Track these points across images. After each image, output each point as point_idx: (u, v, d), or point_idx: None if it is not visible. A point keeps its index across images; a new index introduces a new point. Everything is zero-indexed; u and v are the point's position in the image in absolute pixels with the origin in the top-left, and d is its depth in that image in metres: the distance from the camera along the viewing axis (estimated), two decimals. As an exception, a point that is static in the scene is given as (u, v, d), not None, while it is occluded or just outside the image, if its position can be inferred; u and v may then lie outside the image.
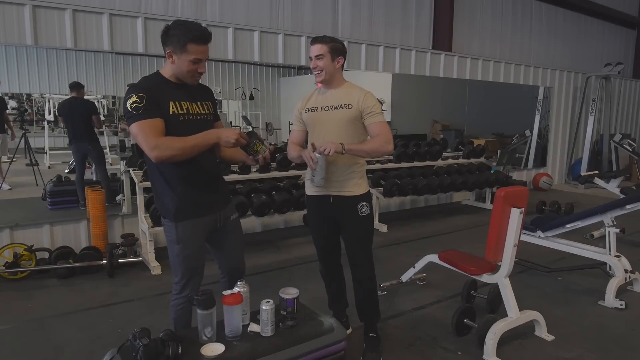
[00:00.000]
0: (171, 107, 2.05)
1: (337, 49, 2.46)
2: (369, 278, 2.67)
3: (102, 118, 6.47)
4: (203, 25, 2.09)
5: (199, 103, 2.18)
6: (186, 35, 2.01)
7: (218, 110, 2.40)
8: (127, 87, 2.07)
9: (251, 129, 2.18)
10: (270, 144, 2.44)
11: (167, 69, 2.11)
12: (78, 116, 5.33)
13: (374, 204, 5.61)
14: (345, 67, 2.57)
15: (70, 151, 5.66)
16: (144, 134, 1.93)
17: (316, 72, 2.48)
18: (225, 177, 3.11)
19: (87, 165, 5.68)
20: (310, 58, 2.48)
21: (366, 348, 2.67)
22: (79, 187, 5.24)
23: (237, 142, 2.02)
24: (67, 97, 5.53)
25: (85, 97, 5.66)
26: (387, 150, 2.46)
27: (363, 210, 2.56)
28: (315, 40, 2.46)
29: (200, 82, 2.23)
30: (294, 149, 2.61)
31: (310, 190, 2.67)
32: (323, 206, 2.63)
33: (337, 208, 2.59)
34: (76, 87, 5.41)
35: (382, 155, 2.56)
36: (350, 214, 2.55)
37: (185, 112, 2.10)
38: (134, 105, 1.94)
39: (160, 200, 2.19)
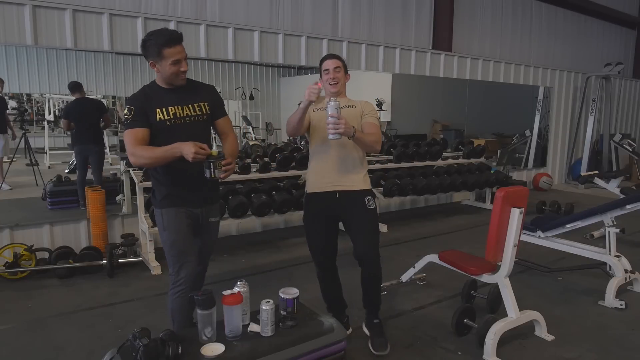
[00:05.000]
0: (158, 115, 2.28)
1: (346, 66, 2.79)
2: (378, 269, 2.72)
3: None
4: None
5: (190, 105, 2.36)
6: (158, 42, 2.21)
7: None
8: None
9: (218, 151, 2.27)
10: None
11: (159, 77, 2.34)
12: (89, 117, 5.29)
13: (374, 204, 5.62)
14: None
15: (72, 152, 5.63)
16: (126, 141, 2.25)
17: (333, 83, 2.71)
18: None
19: (88, 165, 5.67)
20: (327, 71, 2.70)
21: (372, 335, 2.77)
22: (80, 188, 5.22)
23: (194, 158, 2.14)
24: (72, 99, 5.44)
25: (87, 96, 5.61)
26: (377, 149, 2.71)
27: (370, 203, 2.68)
28: (331, 56, 2.76)
29: (202, 82, 2.45)
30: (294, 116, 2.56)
31: (312, 187, 2.74)
32: (326, 203, 2.69)
33: (342, 204, 2.67)
34: (78, 88, 5.32)
35: (372, 151, 2.84)
36: (358, 207, 2.66)
37: (172, 117, 2.30)
38: (125, 116, 2.27)
39: (153, 192, 2.46)
